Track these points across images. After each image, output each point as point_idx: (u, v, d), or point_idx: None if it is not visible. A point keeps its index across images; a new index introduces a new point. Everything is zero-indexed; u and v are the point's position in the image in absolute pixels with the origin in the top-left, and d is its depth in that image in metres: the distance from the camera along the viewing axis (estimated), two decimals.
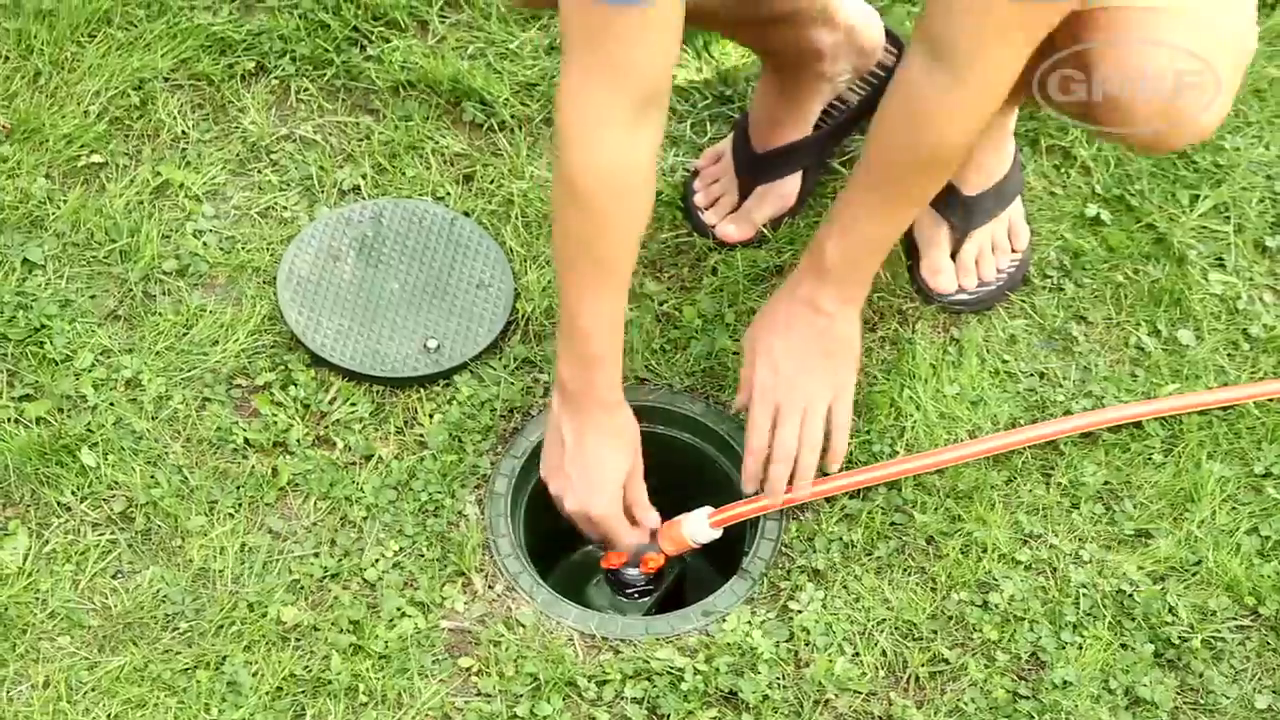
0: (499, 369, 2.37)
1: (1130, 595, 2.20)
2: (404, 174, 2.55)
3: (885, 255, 2.21)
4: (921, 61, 1.98)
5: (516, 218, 2.50)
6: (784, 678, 2.13)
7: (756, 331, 2.25)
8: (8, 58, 2.62)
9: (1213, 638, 2.18)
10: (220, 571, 2.19)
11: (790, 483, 2.20)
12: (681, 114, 2.63)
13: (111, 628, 2.14)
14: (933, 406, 2.33)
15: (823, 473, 2.23)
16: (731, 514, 2.22)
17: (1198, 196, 2.55)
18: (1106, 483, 2.29)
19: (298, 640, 2.14)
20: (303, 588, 2.18)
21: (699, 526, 2.23)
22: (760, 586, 2.21)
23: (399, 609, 2.16)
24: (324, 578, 2.19)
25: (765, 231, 2.49)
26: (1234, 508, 2.28)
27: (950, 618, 2.18)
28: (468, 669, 2.13)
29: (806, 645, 2.15)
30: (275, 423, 2.30)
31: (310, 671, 2.11)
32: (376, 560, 2.20)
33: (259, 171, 2.55)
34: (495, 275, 2.44)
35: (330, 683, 2.10)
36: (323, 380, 2.35)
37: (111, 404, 2.30)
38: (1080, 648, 2.15)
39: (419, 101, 2.61)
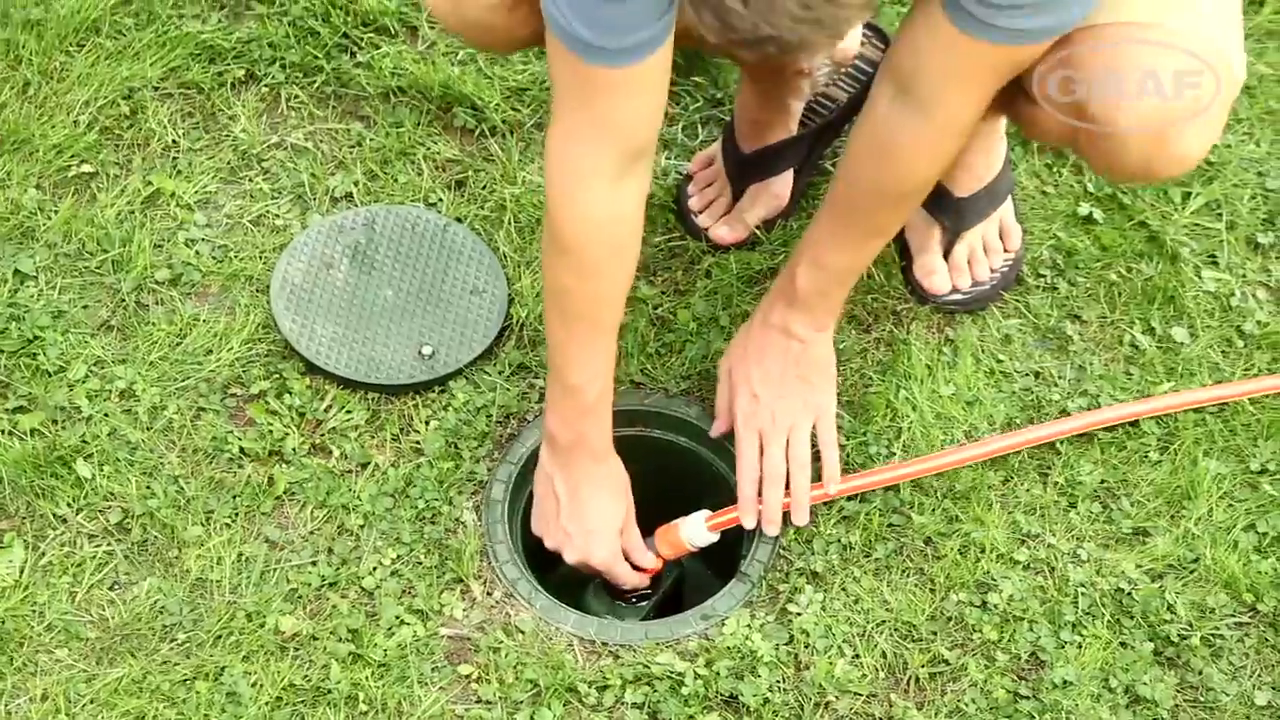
0: (494, 375, 2.37)
1: (1129, 594, 2.20)
2: (396, 180, 2.54)
3: (855, 283, 2.24)
4: (888, 97, 1.99)
5: (509, 223, 2.49)
6: (784, 680, 2.12)
7: (732, 360, 2.27)
8: None
9: (1211, 635, 2.18)
10: (218, 581, 2.18)
11: (789, 505, 2.22)
12: (673, 117, 2.62)
13: (109, 639, 2.13)
14: (929, 407, 2.33)
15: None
16: (729, 517, 2.22)
17: (1189, 194, 2.55)
18: (1103, 481, 2.29)
19: (296, 650, 2.13)
20: (301, 597, 2.17)
21: (696, 530, 2.23)
22: (759, 589, 2.21)
23: (398, 617, 2.16)
24: (322, 586, 2.18)
25: (758, 233, 2.49)
26: (1231, 505, 2.28)
27: (949, 618, 2.18)
28: (467, 676, 2.13)
29: (806, 648, 2.15)
30: (271, 431, 2.29)
31: (310, 681, 2.10)
32: (374, 568, 2.20)
33: (250, 180, 2.54)
34: (489, 281, 2.44)
35: (330, 692, 2.09)
36: (318, 388, 2.34)
37: (106, 415, 2.29)
38: (1080, 647, 2.16)
39: (410, 108, 2.61)
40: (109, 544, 2.21)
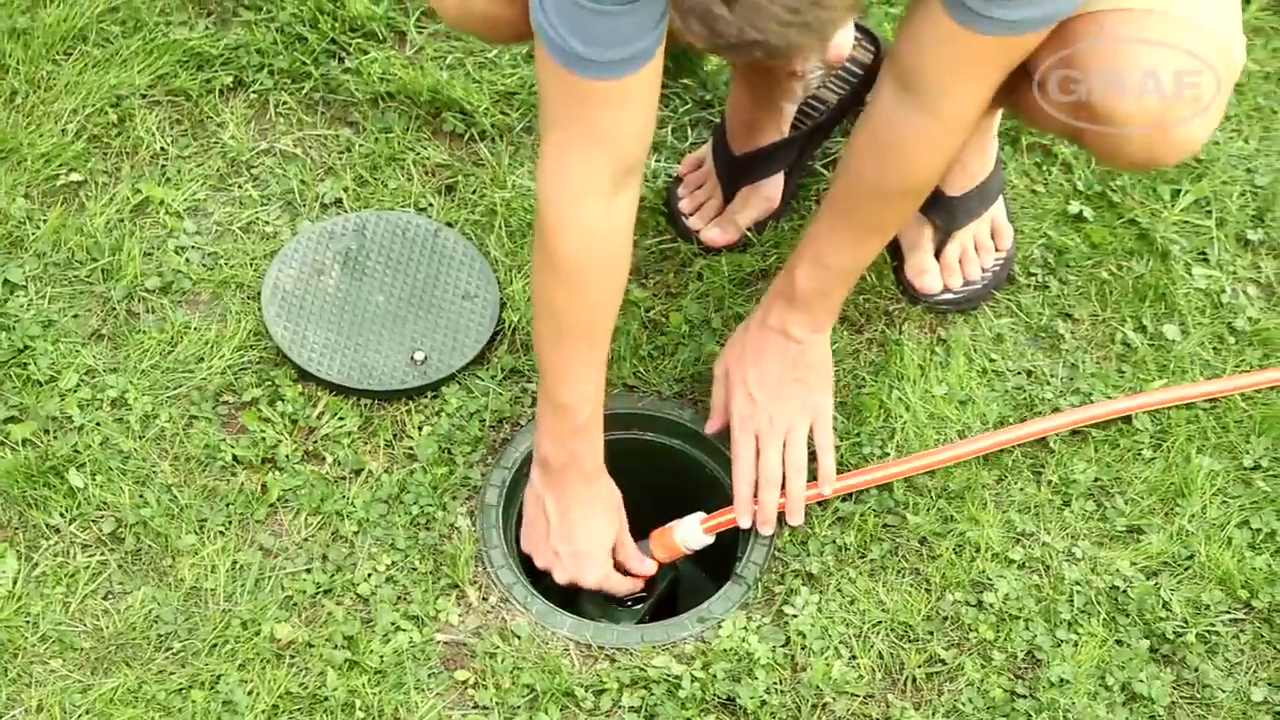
0: (487, 379, 2.36)
1: (1124, 591, 2.20)
2: (386, 186, 2.54)
3: (855, 283, 2.24)
4: (892, 93, 1.99)
5: (500, 227, 2.49)
6: (781, 683, 2.12)
7: (729, 361, 2.26)
8: None
9: (1207, 632, 2.18)
10: (212, 590, 2.17)
11: (784, 507, 2.22)
12: (662, 119, 2.62)
13: (104, 649, 2.13)
14: (922, 407, 2.33)
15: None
16: (724, 519, 2.22)
17: (1179, 191, 2.56)
18: (1097, 479, 2.30)
19: (292, 657, 2.12)
20: (296, 604, 2.17)
21: (691, 532, 2.22)
22: (755, 591, 2.20)
23: (393, 623, 2.15)
24: (317, 594, 2.18)
25: (750, 235, 2.49)
26: (1224, 501, 2.29)
27: (945, 618, 2.18)
28: (464, 682, 2.12)
29: (803, 649, 2.15)
30: (263, 439, 2.29)
31: (306, 689, 2.10)
32: (369, 575, 2.19)
33: (240, 186, 2.53)
34: (480, 285, 2.44)
35: (326, 699, 2.09)
36: (310, 395, 2.34)
37: (98, 424, 2.28)
38: (1076, 645, 2.16)
39: (399, 113, 2.60)
40: (102, 554, 2.20)
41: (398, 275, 2.44)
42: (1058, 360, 2.41)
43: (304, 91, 2.63)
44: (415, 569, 2.20)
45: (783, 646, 2.15)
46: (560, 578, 2.20)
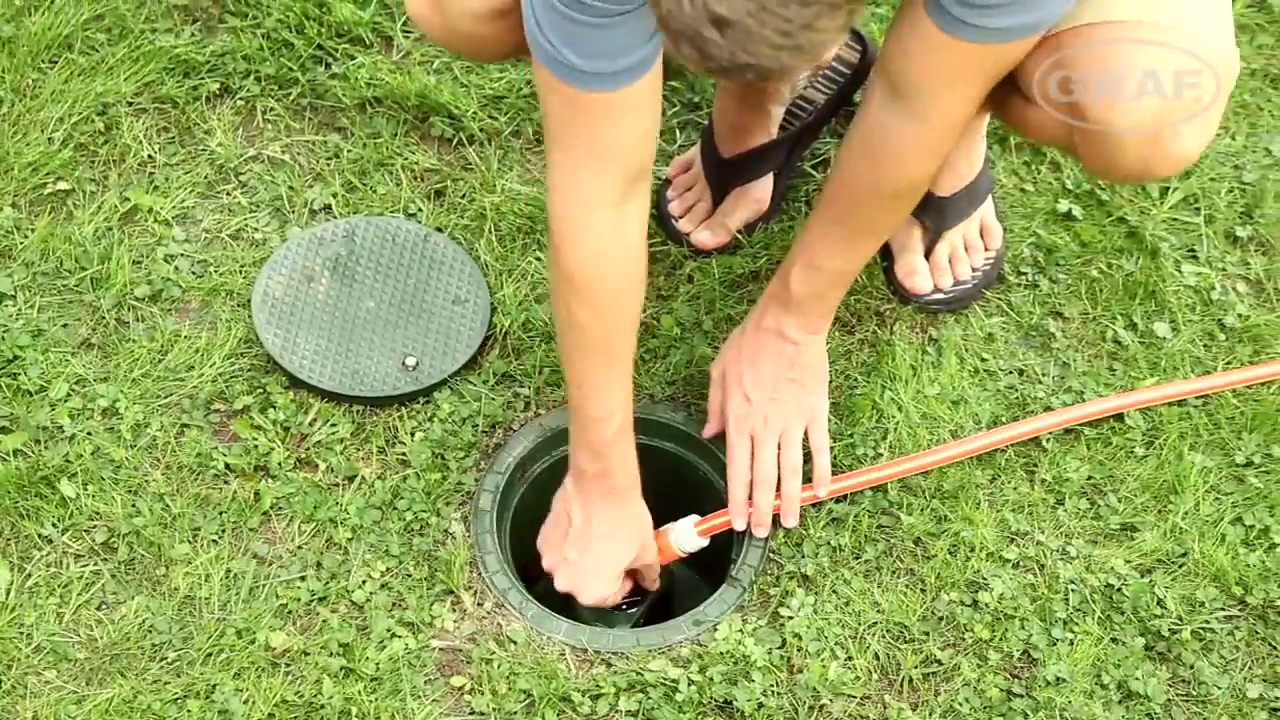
0: (479, 384, 2.36)
1: (1119, 589, 2.20)
2: (375, 191, 2.53)
3: (849, 285, 2.24)
4: (881, 99, 2.00)
5: (490, 232, 2.49)
6: (778, 685, 2.12)
7: (725, 362, 2.26)
8: None
9: (1202, 629, 2.19)
10: (206, 599, 2.17)
11: (780, 508, 2.22)
12: None
13: (98, 660, 2.12)
14: (914, 407, 2.33)
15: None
16: (718, 521, 2.22)
17: (1167, 189, 2.56)
18: (1090, 478, 2.30)
19: (288, 665, 2.12)
20: (290, 612, 2.16)
21: (686, 535, 2.22)
22: (750, 594, 2.20)
23: (389, 630, 2.15)
24: (311, 601, 2.17)
25: (740, 237, 2.49)
26: (1217, 498, 2.29)
27: (941, 618, 2.18)
28: (460, 688, 2.12)
29: (799, 651, 2.15)
30: (256, 446, 2.28)
31: (302, 697, 2.09)
32: (364, 581, 2.19)
33: (228, 194, 2.53)
34: (471, 290, 2.43)
35: (323, 707, 2.08)
36: (302, 402, 2.33)
37: (89, 434, 2.27)
38: (1071, 643, 2.16)
39: (386, 118, 2.60)
40: (95, 563, 2.19)
41: (388, 281, 2.44)
42: (1049, 359, 2.41)
43: (291, 98, 2.62)
44: (410, 575, 2.20)
45: (779, 649, 2.15)
46: (560, 583, 2.19)
